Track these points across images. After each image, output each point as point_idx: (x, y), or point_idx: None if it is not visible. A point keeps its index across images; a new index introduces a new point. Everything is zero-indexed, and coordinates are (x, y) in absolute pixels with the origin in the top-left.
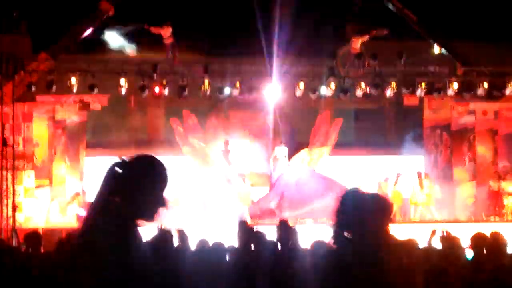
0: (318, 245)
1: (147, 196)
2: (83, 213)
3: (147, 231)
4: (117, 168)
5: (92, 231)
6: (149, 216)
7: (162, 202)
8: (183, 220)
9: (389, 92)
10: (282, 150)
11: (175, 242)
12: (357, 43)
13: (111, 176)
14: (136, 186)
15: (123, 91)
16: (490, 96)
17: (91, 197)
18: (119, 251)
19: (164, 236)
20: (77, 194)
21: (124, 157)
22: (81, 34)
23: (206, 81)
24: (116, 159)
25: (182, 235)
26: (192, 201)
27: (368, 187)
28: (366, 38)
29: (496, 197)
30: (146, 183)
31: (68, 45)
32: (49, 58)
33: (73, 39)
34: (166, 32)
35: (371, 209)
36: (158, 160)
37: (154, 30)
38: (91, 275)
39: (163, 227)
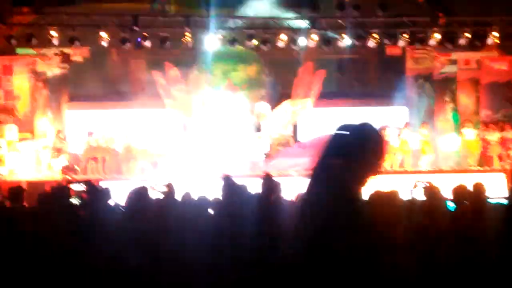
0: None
1: (367, 162)
2: (64, 164)
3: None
4: (343, 132)
5: (315, 193)
6: (363, 182)
7: (376, 171)
8: (170, 174)
9: (371, 43)
10: (263, 106)
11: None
12: None
13: (337, 138)
14: (361, 151)
15: (104, 43)
16: (472, 46)
17: (74, 149)
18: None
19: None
20: (60, 149)
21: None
22: None
23: (188, 34)
24: (340, 123)
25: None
26: (179, 154)
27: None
28: None
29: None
30: (370, 149)
31: None
32: (30, 12)
33: None
34: None
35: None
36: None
37: None
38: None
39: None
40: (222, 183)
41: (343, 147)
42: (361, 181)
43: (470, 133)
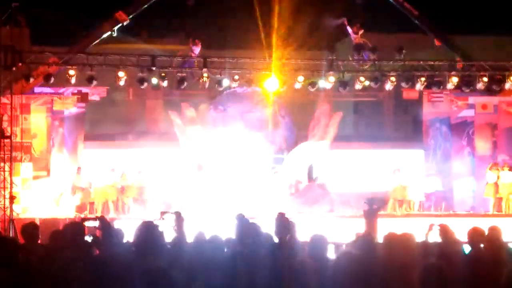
0: (316, 238)
1: None
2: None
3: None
4: None
5: None
6: None
7: None
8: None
9: (388, 86)
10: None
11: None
12: (356, 36)
13: None
14: None
15: (122, 83)
16: (489, 90)
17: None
18: None
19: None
20: (77, 187)
21: None
22: (95, 40)
23: (205, 74)
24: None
25: (178, 218)
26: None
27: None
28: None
29: (496, 190)
30: None
31: (82, 49)
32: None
33: (87, 44)
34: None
35: None
36: None
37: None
38: None
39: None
40: (235, 222)
41: None
42: None
43: (507, 176)
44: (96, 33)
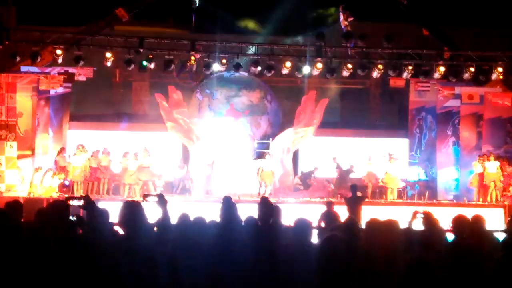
0: (300, 222)
1: None
2: (63, 182)
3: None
4: None
5: None
6: None
7: None
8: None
9: (375, 74)
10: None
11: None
12: (344, 23)
13: None
14: None
15: (109, 63)
16: (476, 80)
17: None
18: None
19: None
20: (63, 167)
21: None
22: (95, 34)
23: (193, 57)
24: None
25: (161, 200)
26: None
27: (354, 167)
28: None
29: (481, 180)
30: None
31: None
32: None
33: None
34: None
35: None
36: None
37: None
38: None
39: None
40: (222, 204)
41: None
42: None
43: (492, 166)
44: (94, 27)
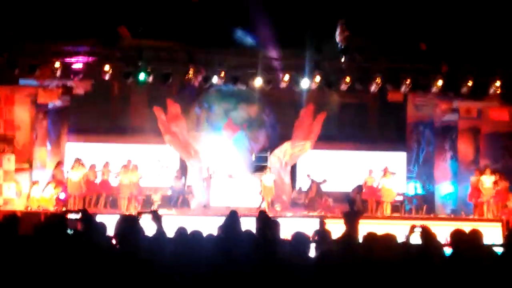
0: (298, 236)
1: None
2: (61, 195)
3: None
4: None
5: None
6: None
7: None
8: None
9: (373, 87)
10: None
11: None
12: (343, 37)
13: None
14: None
15: (107, 77)
16: (474, 94)
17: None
18: None
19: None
20: (60, 181)
21: None
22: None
23: (191, 70)
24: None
25: (156, 216)
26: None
27: (350, 181)
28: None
29: (477, 194)
30: None
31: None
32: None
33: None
34: None
35: None
36: None
37: None
38: None
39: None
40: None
41: None
42: None
43: (489, 180)
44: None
